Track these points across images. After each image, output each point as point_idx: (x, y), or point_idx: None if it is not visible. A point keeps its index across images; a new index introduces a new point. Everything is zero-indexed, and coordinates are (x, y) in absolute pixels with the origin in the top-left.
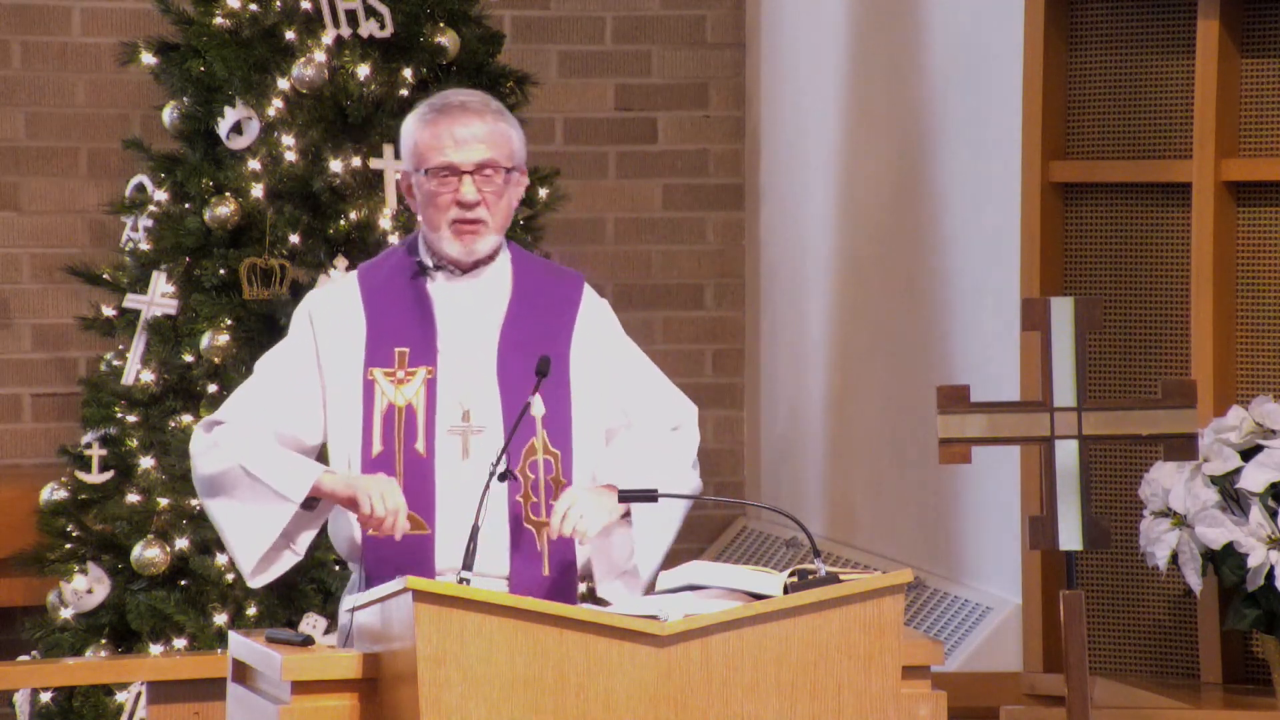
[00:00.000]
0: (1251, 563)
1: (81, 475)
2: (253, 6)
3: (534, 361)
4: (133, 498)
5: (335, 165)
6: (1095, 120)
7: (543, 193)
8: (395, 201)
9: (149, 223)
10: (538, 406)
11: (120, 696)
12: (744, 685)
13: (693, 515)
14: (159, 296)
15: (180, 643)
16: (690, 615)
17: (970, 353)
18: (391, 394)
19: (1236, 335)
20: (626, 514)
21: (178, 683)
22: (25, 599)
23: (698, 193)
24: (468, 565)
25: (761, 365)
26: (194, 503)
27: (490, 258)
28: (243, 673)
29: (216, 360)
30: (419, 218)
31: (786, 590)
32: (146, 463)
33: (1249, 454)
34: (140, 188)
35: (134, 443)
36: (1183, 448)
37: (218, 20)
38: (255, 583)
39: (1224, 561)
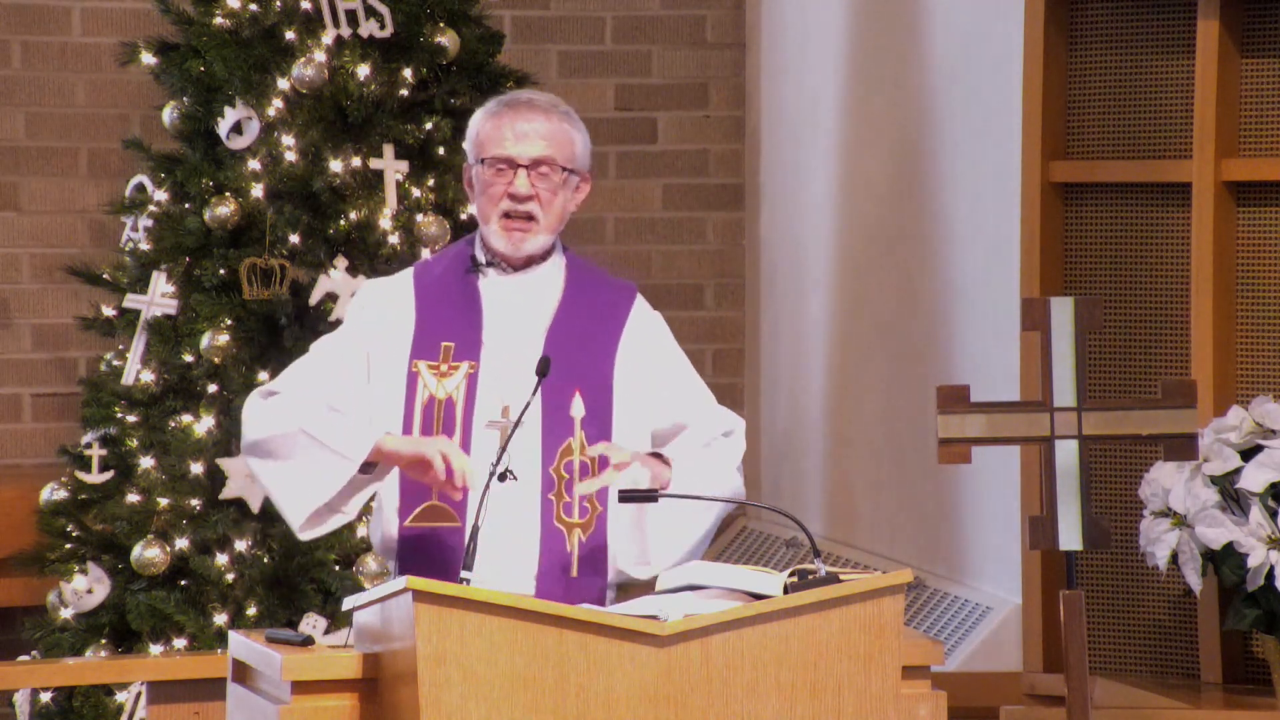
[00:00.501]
0: (1251, 563)
1: (81, 475)
2: (253, 6)
3: (579, 362)
4: (133, 498)
5: (335, 165)
6: (1095, 120)
7: None
8: (395, 201)
9: (149, 223)
10: (577, 408)
11: (120, 696)
12: (744, 685)
13: None
14: (159, 296)
15: (180, 643)
16: (690, 615)
17: (970, 353)
18: (433, 386)
19: (1236, 335)
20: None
21: (178, 683)
22: (25, 599)
23: (698, 193)
24: (467, 565)
25: (761, 365)
26: (194, 502)
27: (543, 257)
28: (243, 673)
29: (216, 360)
30: (475, 212)
31: (786, 590)
32: (146, 463)
33: (1249, 454)
34: (140, 188)
35: (134, 443)
36: (1183, 448)
37: (218, 20)
38: (304, 536)
39: (1224, 561)
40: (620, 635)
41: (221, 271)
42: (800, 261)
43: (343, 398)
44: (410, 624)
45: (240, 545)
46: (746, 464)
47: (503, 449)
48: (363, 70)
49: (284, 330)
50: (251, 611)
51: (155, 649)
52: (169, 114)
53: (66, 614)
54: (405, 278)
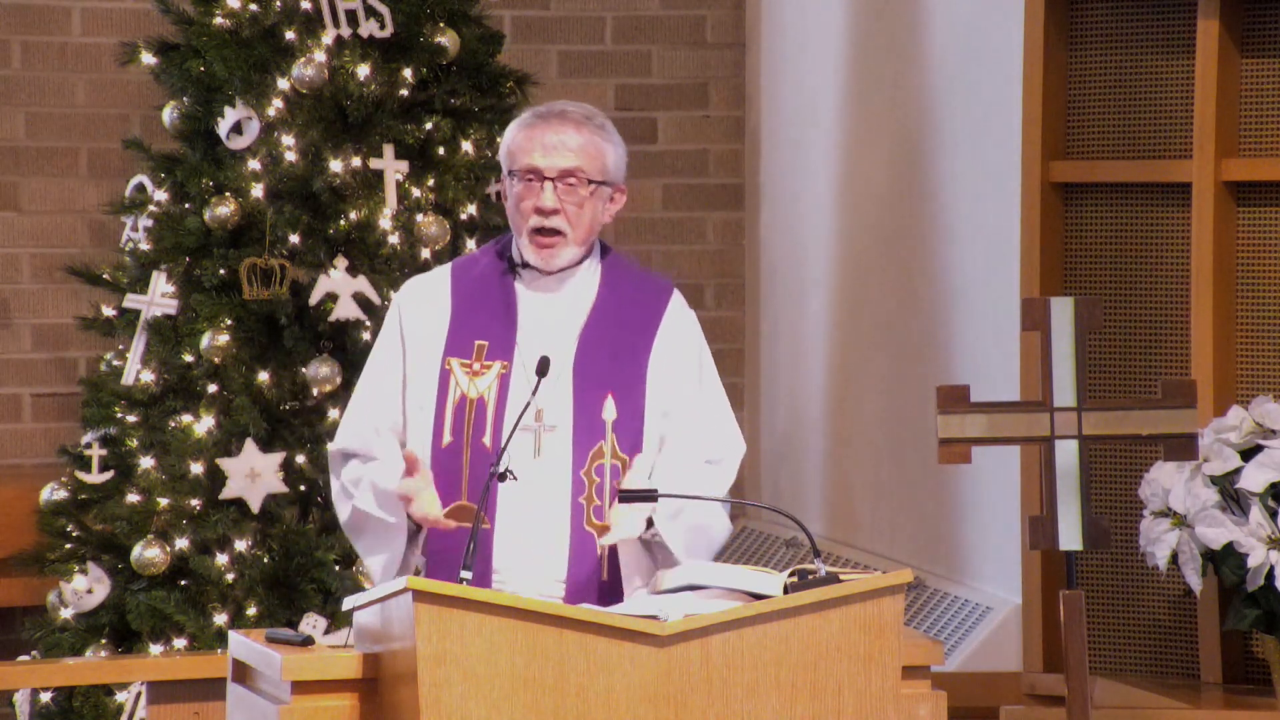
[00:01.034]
0: (1251, 563)
1: (81, 475)
2: (253, 6)
3: (612, 366)
4: (133, 498)
5: (335, 165)
6: (1095, 120)
7: None
8: (395, 201)
9: (149, 223)
10: (609, 411)
11: (120, 696)
12: (744, 685)
13: None
14: (159, 296)
15: (180, 643)
16: (690, 615)
17: (970, 353)
18: (465, 385)
19: (1236, 335)
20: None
21: (178, 683)
22: (25, 599)
23: (698, 193)
24: (467, 565)
25: (761, 365)
26: (194, 502)
27: (577, 262)
28: (243, 673)
29: (216, 360)
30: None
31: (786, 590)
32: (146, 463)
33: (1249, 454)
34: (140, 188)
35: (134, 443)
36: (1183, 448)
37: (218, 20)
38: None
39: (1224, 561)
40: (620, 635)
41: (221, 271)
42: (800, 261)
43: (397, 418)
44: (410, 624)
45: (240, 545)
46: (747, 464)
47: (502, 449)
48: (363, 70)
49: (284, 330)
50: (251, 611)
51: (155, 649)
52: (169, 114)
53: (66, 614)
54: (443, 274)
